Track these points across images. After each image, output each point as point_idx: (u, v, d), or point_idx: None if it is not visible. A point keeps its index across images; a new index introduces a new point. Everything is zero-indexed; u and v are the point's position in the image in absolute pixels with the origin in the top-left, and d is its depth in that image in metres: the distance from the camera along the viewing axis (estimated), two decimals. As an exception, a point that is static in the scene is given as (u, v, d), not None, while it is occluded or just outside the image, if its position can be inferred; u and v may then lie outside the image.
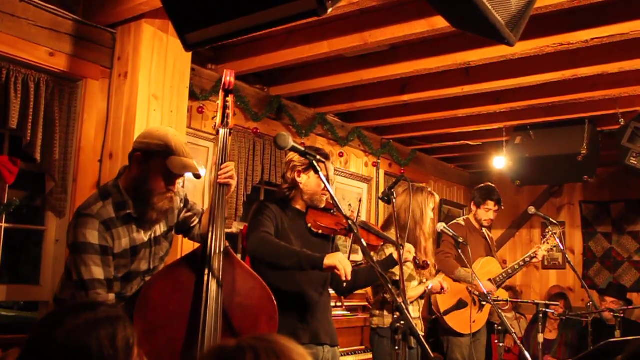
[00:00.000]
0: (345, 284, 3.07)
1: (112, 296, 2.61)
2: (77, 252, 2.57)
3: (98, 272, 2.55)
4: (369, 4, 3.62)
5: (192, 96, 4.35)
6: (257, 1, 1.83)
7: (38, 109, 3.57)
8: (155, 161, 2.69)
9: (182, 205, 3.02)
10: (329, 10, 1.76)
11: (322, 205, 3.36)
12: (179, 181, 2.84)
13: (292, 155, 3.25)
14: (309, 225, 3.29)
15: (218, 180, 2.82)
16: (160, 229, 2.88)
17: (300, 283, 3.22)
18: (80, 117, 3.80)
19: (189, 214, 3.06)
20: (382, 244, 3.69)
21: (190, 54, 4.01)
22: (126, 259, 2.71)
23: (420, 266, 3.95)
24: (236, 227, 5.24)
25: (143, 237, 2.78)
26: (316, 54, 4.39)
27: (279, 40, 4.49)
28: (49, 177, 3.73)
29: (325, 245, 3.41)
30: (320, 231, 3.30)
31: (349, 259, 3.13)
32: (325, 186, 2.62)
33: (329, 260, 2.92)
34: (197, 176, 2.82)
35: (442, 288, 4.23)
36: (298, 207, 3.35)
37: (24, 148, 3.57)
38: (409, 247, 3.79)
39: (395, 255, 3.61)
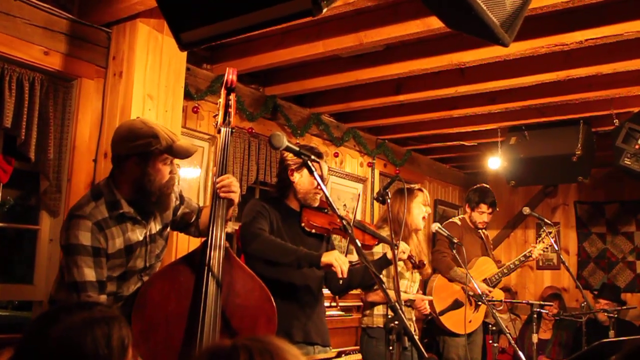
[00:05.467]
0: (341, 282, 3.07)
1: (103, 297, 2.59)
2: (70, 254, 2.55)
3: (90, 274, 2.53)
4: (364, 4, 3.62)
5: (187, 96, 4.35)
6: (252, 1, 1.83)
7: (32, 108, 3.56)
8: (155, 157, 2.68)
9: (178, 202, 3.00)
10: (324, 11, 1.76)
11: (316, 204, 3.35)
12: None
13: (286, 154, 3.26)
14: (303, 224, 3.28)
15: (219, 194, 2.75)
16: (155, 226, 2.86)
17: (294, 283, 3.22)
18: (75, 117, 3.79)
19: (187, 210, 3.04)
20: (376, 243, 3.68)
21: (185, 53, 4.00)
22: (121, 258, 2.69)
23: (417, 265, 3.94)
24: (231, 226, 5.24)
25: (138, 235, 2.76)
26: (311, 54, 4.39)
27: (274, 40, 4.48)
28: (43, 177, 3.71)
29: (319, 245, 3.40)
30: (313, 230, 3.29)
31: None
32: (320, 186, 2.61)
33: (326, 257, 2.95)
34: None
35: (423, 309, 4.25)
36: (292, 206, 3.35)
37: (18, 147, 3.56)
38: (404, 246, 3.78)
39: (389, 255, 3.61)
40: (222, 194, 2.74)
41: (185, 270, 2.69)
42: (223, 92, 2.92)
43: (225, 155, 2.85)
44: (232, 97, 2.92)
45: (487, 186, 5.40)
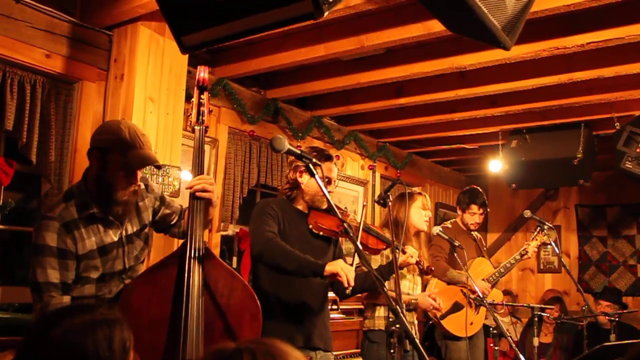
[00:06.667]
0: (347, 291, 3.02)
1: (67, 299, 2.57)
2: (36, 254, 2.55)
3: (53, 275, 2.52)
4: (365, 7, 3.62)
5: (189, 98, 4.34)
6: (254, 4, 1.84)
7: (34, 110, 3.56)
8: (112, 156, 2.65)
9: (158, 203, 2.97)
10: (326, 14, 1.76)
11: (324, 207, 3.33)
12: (151, 175, 2.80)
13: None
14: (310, 226, 3.27)
15: (196, 194, 2.73)
16: (132, 227, 2.83)
17: (298, 288, 3.20)
18: (76, 119, 3.79)
19: (167, 211, 3.01)
20: (384, 247, 3.64)
21: (186, 56, 4.01)
22: (95, 259, 2.67)
23: (424, 271, 3.92)
24: (232, 229, 5.24)
25: (112, 236, 2.73)
26: (313, 57, 4.39)
27: (275, 43, 4.49)
28: (44, 179, 3.72)
29: (327, 248, 3.38)
30: (321, 232, 3.27)
31: (352, 262, 3.12)
32: (321, 189, 2.60)
33: (331, 267, 2.88)
34: (158, 167, 2.81)
35: (433, 306, 4.17)
36: (300, 207, 3.33)
37: (20, 150, 3.56)
38: (412, 250, 3.76)
39: (398, 259, 3.58)
40: (197, 194, 2.73)
41: (166, 272, 2.65)
42: (195, 91, 2.89)
43: (200, 155, 2.82)
44: (204, 96, 2.89)
45: (477, 187, 5.39)
